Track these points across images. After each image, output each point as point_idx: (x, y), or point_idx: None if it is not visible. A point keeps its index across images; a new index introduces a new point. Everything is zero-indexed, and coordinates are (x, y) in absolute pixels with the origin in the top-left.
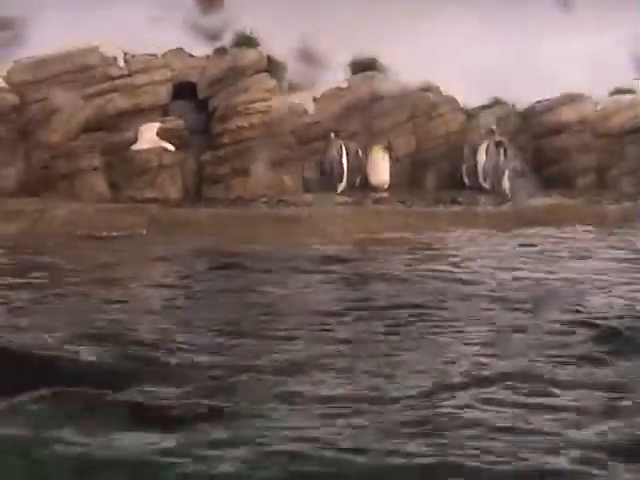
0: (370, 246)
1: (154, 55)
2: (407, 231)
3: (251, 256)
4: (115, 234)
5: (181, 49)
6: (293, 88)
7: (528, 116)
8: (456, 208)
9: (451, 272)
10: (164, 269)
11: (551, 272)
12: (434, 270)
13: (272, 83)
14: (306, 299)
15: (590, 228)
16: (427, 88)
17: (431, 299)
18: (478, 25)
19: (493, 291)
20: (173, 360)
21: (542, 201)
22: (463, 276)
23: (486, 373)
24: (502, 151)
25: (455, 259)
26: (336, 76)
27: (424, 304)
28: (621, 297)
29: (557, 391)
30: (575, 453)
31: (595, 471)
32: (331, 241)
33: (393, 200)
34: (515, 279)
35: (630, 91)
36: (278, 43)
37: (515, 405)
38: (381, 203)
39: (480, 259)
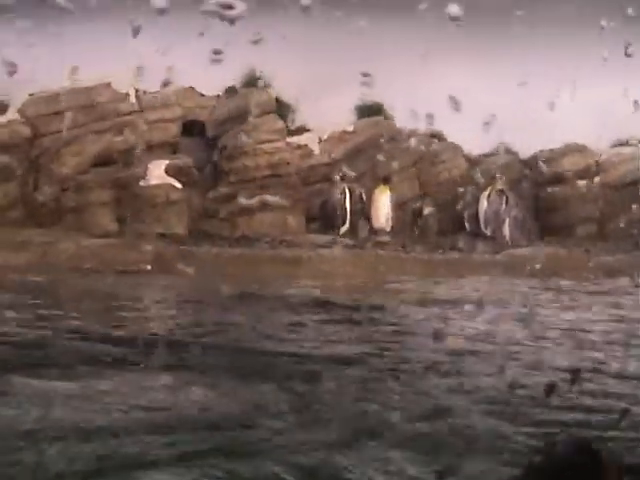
0: (364, 292)
1: (165, 92)
2: (404, 277)
3: (247, 297)
4: (121, 269)
5: (192, 87)
6: (300, 130)
7: (531, 165)
8: (454, 255)
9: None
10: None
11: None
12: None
13: (280, 124)
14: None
15: (571, 282)
16: (431, 134)
17: None
18: (485, 72)
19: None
20: None
21: (537, 250)
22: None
23: None
24: (504, 199)
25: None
26: (343, 119)
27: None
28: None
29: None
30: None
31: None
32: (327, 284)
33: (394, 244)
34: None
35: (631, 143)
36: (287, 85)
37: None
38: (382, 247)
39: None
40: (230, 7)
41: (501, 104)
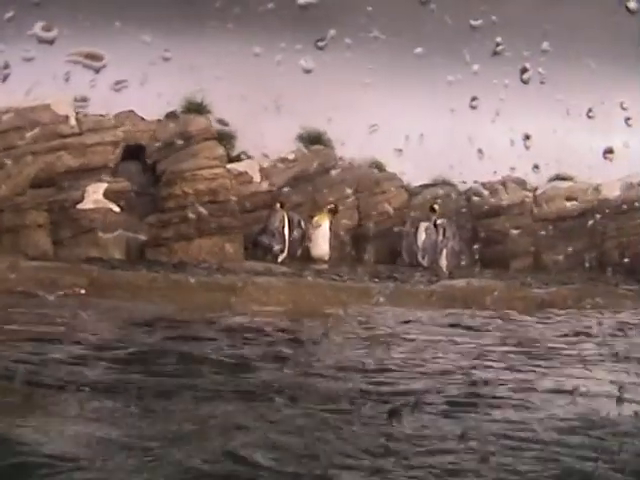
0: (295, 319)
1: (106, 116)
2: (337, 305)
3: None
4: (54, 293)
5: (132, 111)
6: (240, 156)
7: (469, 197)
8: (390, 284)
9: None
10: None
11: None
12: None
13: (220, 150)
14: None
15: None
16: (372, 164)
17: None
18: (427, 105)
19: None
20: None
21: (471, 282)
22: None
23: None
24: (441, 230)
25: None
26: (284, 147)
27: None
28: None
29: None
30: None
31: None
32: (256, 312)
33: (331, 273)
34: None
35: (569, 178)
36: (228, 112)
37: None
38: (319, 276)
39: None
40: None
41: (442, 136)
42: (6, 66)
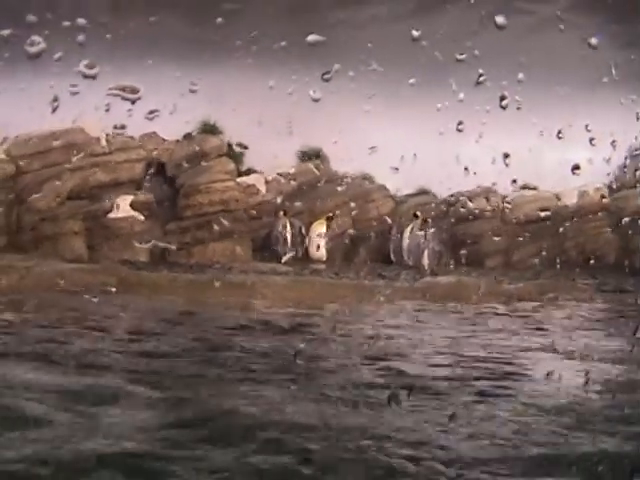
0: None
1: (132, 137)
2: (336, 300)
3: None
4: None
5: (155, 133)
6: (248, 171)
7: (448, 204)
8: (379, 282)
9: None
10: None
11: None
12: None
13: (231, 166)
14: None
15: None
16: (363, 177)
17: None
18: (411, 123)
19: None
20: None
21: (448, 278)
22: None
23: None
24: (423, 233)
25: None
26: (286, 163)
27: None
28: None
29: None
30: None
31: None
32: (267, 306)
33: (328, 272)
34: None
35: (534, 187)
36: (238, 132)
37: None
38: (317, 274)
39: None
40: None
41: (424, 149)
42: (55, 99)
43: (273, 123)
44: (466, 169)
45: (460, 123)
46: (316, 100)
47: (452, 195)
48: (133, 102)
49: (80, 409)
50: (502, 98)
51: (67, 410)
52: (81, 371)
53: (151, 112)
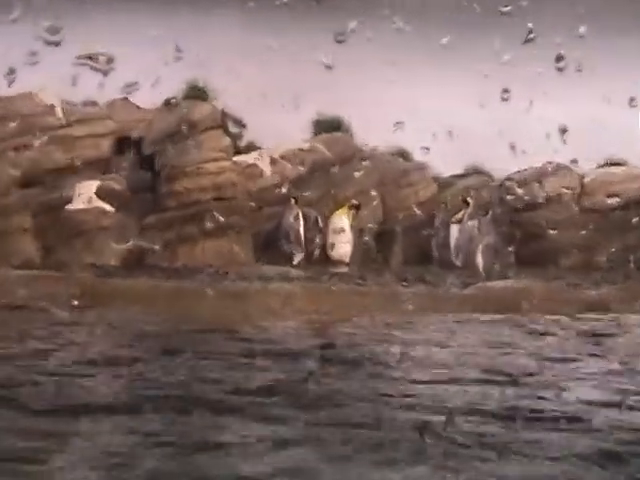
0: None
1: (96, 103)
2: (363, 314)
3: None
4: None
5: (126, 99)
6: (249, 147)
7: (506, 187)
8: (421, 288)
9: None
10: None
11: None
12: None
13: (226, 141)
14: None
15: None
16: (397, 153)
17: None
18: (458, 88)
19: None
20: None
21: (507, 284)
22: None
23: None
24: (476, 225)
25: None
26: (298, 136)
27: None
28: None
29: None
30: None
31: None
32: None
33: (353, 277)
34: None
35: (621, 163)
36: (235, 97)
37: None
38: (340, 280)
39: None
40: None
41: (476, 121)
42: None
43: (277, 93)
44: (512, 147)
45: (506, 91)
46: (328, 67)
47: (509, 178)
48: (105, 73)
49: None
50: (558, 58)
51: None
52: None
53: (128, 85)
